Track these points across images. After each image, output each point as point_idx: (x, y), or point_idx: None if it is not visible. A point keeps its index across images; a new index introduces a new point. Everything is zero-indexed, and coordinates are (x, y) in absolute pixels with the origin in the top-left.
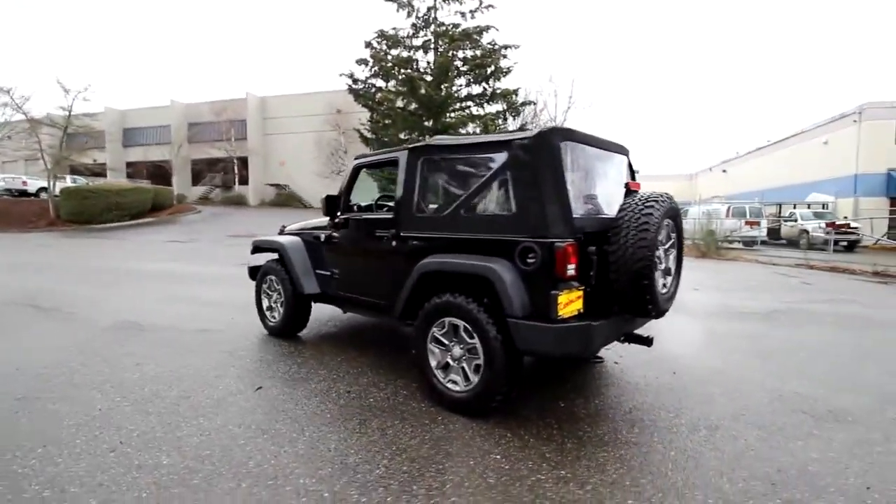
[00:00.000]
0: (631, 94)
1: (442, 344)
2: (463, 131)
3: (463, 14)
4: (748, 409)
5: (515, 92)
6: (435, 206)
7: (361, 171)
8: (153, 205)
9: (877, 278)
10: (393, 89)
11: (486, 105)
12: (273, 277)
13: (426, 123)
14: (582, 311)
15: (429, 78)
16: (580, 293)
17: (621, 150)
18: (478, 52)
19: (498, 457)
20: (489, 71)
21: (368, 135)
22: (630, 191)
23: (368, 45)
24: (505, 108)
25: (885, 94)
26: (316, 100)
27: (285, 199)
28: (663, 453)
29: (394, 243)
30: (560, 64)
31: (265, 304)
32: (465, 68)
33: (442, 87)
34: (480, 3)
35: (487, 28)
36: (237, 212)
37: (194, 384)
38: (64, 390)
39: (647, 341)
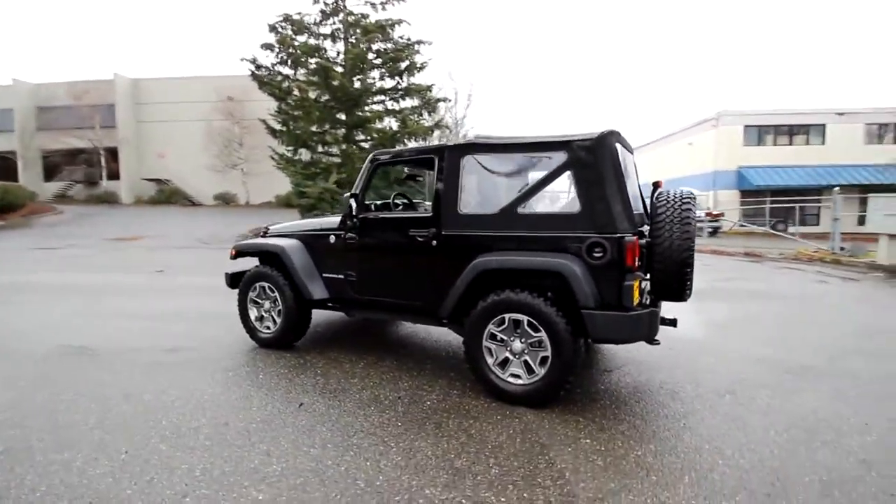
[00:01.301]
0: (530, 92)
1: (499, 340)
2: (379, 125)
3: (373, 5)
4: (745, 373)
5: (430, 88)
6: (482, 204)
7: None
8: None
9: (749, 258)
10: (304, 79)
11: (401, 100)
12: (266, 284)
13: (339, 116)
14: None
15: (339, 69)
16: (643, 282)
17: (632, 150)
18: (390, 46)
19: (587, 441)
20: (403, 66)
21: (277, 126)
22: (656, 187)
23: (273, 29)
24: (421, 103)
25: (736, 102)
26: (204, 85)
27: (168, 195)
28: (714, 418)
29: (434, 243)
30: (471, 61)
31: (254, 314)
32: (378, 61)
33: (356, 79)
34: None
35: (399, 21)
36: (110, 211)
37: (222, 409)
38: (56, 435)
39: (674, 323)
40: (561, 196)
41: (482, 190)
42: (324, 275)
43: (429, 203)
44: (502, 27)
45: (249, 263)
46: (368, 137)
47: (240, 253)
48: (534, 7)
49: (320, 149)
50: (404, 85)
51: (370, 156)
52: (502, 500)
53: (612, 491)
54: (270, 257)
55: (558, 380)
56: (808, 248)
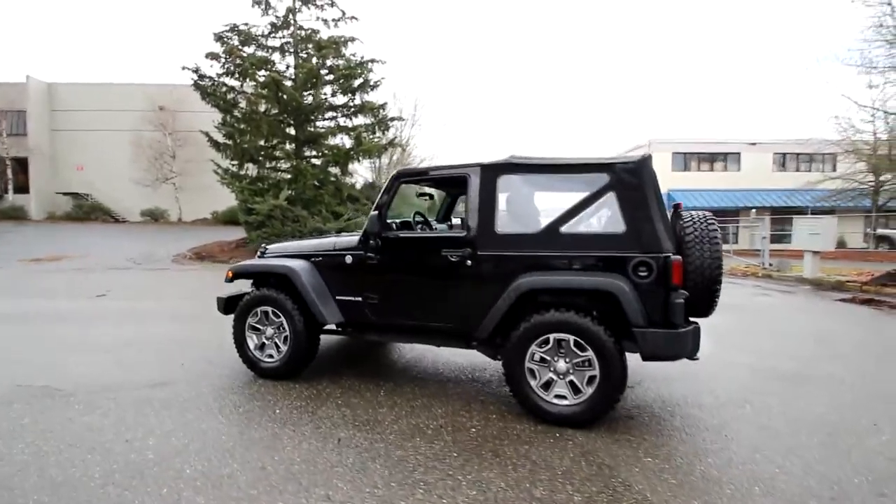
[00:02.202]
0: (470, 113)
1: (542, 361)
2: (332, 142)
3: (325, 21)
4: (747, 383)
5: (383, 106)
6: (520, 223)
7: (402, 188)
8: None
9: None
10: (252, 91)
11: (353, 117)
12: (269, 309)
13: (289, 131)
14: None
15: (288, 83)
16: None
17: None
18: (341, 63)
19: (649, 459)
20: (357, 83)
21: (222, 140)
22: (677, 209)
23: (219, 38)
24: (374, 121)
25: (663, 130)
26: (131, 93)
27: (88, 210)
28: (748, 427)
29: (469, 263)
30: (417, 82)
31: (253, 341)
32: (330, 77)
33: (308, 94)
34: (343, 14)
35: (352, 39)
36: (19, 228)
37: (251, 451)
38: (58, 497)
39: None
40: (601, 216)
41: (520, 209)
42: (337, 297)
43: (455, 221)
44: (445, 51)
45: (229, 288)
46: (320, 153)
47: (237, 275)
48: (477, 33)
49: (269, 164)
50: (357, 102)
51: (395, 172)
52: None
53: None
54: (276, 279)
55: (608, 398)
56: (740, 265)
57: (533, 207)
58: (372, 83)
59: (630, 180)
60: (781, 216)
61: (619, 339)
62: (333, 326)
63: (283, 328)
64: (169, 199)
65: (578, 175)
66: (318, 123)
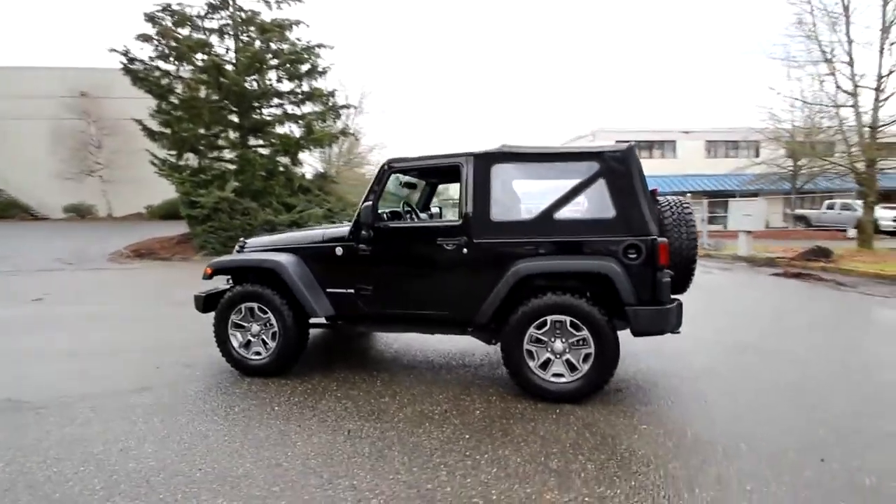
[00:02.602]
0: (417, 103)
1: (540, 342)
2: (280, 130)
3: (267, 2)
4: (718, 356)
5: (332, 94)
6: (514, 211)
7: (392, 177)
8: None
9: None
10: (190, 76)
11: (302, 105)
12: (254, 305)
13: (232, 118)
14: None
15: (230, 67)
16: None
17: None
18: (286, 47)
19: (645, 426)
20: (304, 69)
21: (157, 128)
22: (654, 195)
23: (151, 19)
24: (324, 109)
25: (606, 119)
26: (48, 77)
27: (2, 207)
28: (719, 393)
29: (465, 251)
30: (370, 68)
31: (237, 339)
32: (275, 62)
33: (252, 79)
34: None
35: (297, 22)
36: None
37: (262, 450)
38: None
39: None
40: (592, 202)
41: (513, 197)
42: (328, 290)
43: (434, 210)
44: (391, 38)
45: (206, 286)
46: (268, 143)
47: (217, 271)
48: (423, 23)
49: (211, 154)
50: (305, 89)
51: (384, 162)
52: (618, 491)
53: (698, 466)
54: (259, 274)
55: (603, 374)
56: None
57: (526, 195)
58: (320, 69)
59: (618, 168)
60: (714, 199)
61: (611, 317)
62: (323, 320)
63: (271, 324)
64: (95, 194)
65: (569, 163)
66: (263, 111)
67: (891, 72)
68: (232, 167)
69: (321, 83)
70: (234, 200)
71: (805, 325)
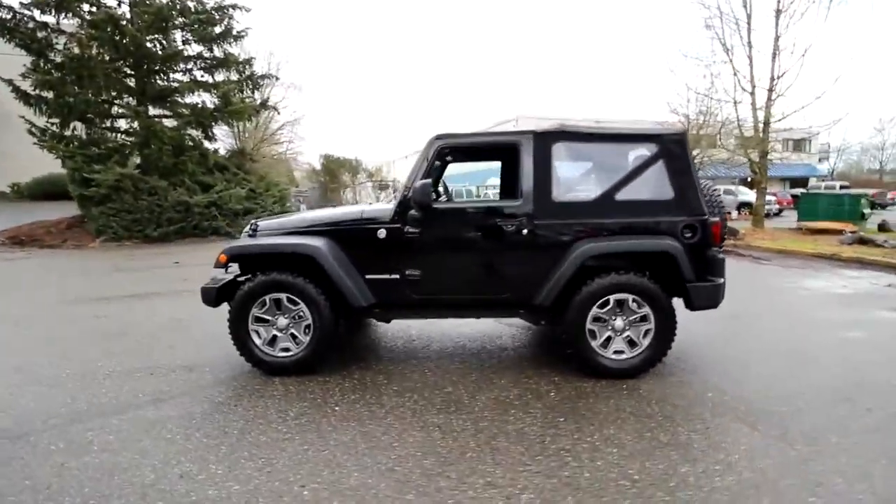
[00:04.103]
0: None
1: (600, 321)
2: (189, 100)
3: None
4: (728, 326)
5: (249, 61)
6: (576, 191)
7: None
8: None
9: None
10: (77, 30)
11: (215, 72)
12: (283, 296)
13: (130, 84)
14: None
15: (124, 23)
16: None
17: None
18: (193, 4)
19: (711, 394)
20: (216, 31)
21: (35, 91)
22: None
23: None
24: (241, 78)
25: (527, 106)
26: None
27: None
28: (730, 357)
29: (525, 232)
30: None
31: (260, 335)
32: (182, 21)
33: (154, 38)
34: None
35: None
36: None
37: (358, 456)
38: None
39: None
40: (651, 184)
41: (574, 178)
42: (367, 276)
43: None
44: (312, 13)
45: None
46: (175, 113)
47: (234, 258)
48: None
49: (103, 124)
50: (218, 55)
51: (432, 137)
52: (736, 457)
53: (790, 416)
54: (286, 261)
55: (661, 349)
56: None
57: (586, 176)
58: (235, 32)
59: (676, 150)
60: None
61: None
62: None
63: (302, 316)
64: None
65: (629, 144)
66: (170, 76)
67: (782, 74)
68: (132, 140)
69: (236, 49)
70: (139, 178)
71: (757, 293)
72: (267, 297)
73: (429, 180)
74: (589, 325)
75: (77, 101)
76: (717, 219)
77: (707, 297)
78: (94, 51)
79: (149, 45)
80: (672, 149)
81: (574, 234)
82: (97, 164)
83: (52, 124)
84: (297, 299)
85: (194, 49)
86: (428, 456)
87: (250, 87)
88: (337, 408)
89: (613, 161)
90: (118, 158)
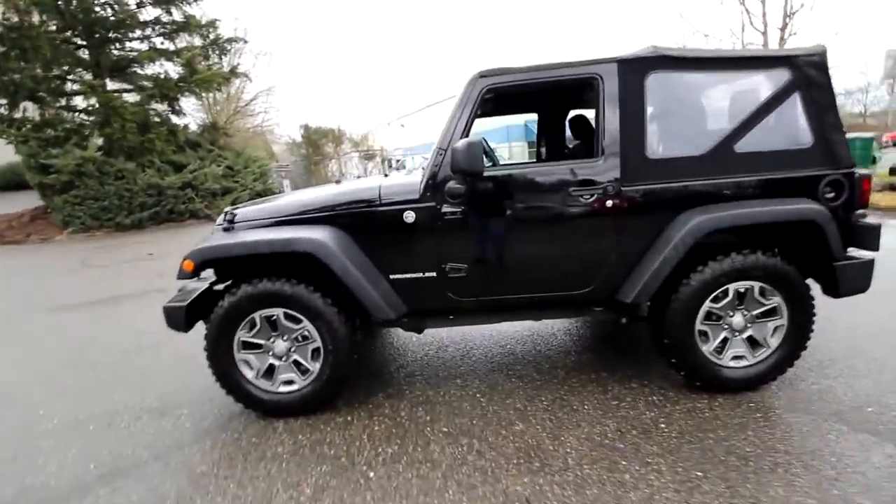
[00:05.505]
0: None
1: (715, 318)
2: (151, 71)
3: None
4: None
5: (213, 24)
6: (679, 143)
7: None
8: None
9: None
10: None
11: (176, 38)
12: (278, 312)
13: (82, 55)
14: None
15: None
16: None
17: None
18: None
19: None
20: None
21: None
22: None
23: None
24: (206, 43)
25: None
26: None
27: None
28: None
29: (609, 203)
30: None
31: (251, 366)
32: None
33: (106, 3)
34: None
35: None
36: None
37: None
38: None
39: None
40: (781, 126)
41: (678, 123)
42: (392, 276)
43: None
44: None
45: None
46: (136, 86)
47: (203, 265)
48: None
49: (57, 102)
50: (178, 18)
51: (475, 75)
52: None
53: None
54: (278, 262)
55: (795, 350)
56: None
57: (694, 119)
58: None
59: (817, 77)
60: None
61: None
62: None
63: (309, 336)
64: None
65: (752, 71)
66: (126, 45)
67: (794, 12)
68: (92, 119)
69: (197, 11)
70: (103, 161)
71: None
72: (256, 316)
73: (478, 137)
74: (699, 326)
75: (23, 78)
76: (866, 171)
77: (860, 279)
78: (34, 18)
79: (98, 9)
80: (811, 76)
81: (679, 202)
82: (54, 147)
83: (0, 106)
84: (298, 315)
85: (150, 13)
86: (594, 486)
87: (217, 52)
88: (371, 474)
89: (730, 97)
90: (77, 140)
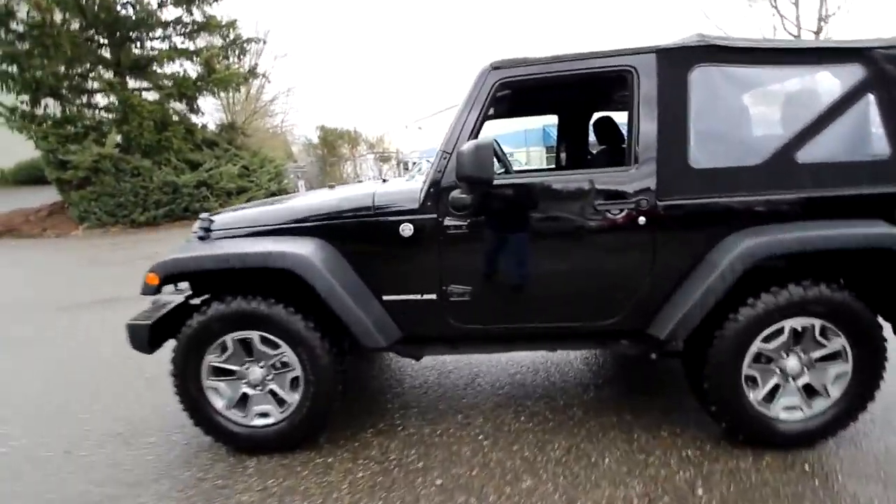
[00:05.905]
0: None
1: (765, 360)
2: (170, 69)
3: None
4: None
5: (233, 24)
6: (729, 150)
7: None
8: None
9: None
10: None
11: (196, 37)
12: (255, 335)
13: (104, 54)
14: None
15: None
16: None
17: None
18: None
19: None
20: None
21: None
22: None
23: None
24: (225, 43)
25: None
26: None
27: None
28: None
29: (642, 221)
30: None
31: (222, 395)
32: None
33: (127, 2)
34: None
35: None
36: None
37: None
38: None
39: None
40: (850, 132)
41: (726, 127)
42: (385, 298)
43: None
44: None
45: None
46: (156, 84)
47: (168, 279)
48: None
49: (78, 99)
50: (198, 18)
51: (486, 67)
52: None
53: None
54: (256, 277)
55: (860, 403)
56: None
57: (747, 122)
58: None
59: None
60: None
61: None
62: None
63: (288, 363)
64: None
65: (817, 66)
66: (147, 44)
67: (829, 15)
68: (111, 116)
69: (217, 10)
70: (120, 158)
71: None
72: (229, 338)
73: (489, 139)
74: (746, 370)
75: (45, 75)
76: None
77: None
78: (56, 16)
79: (119, 8)
80: (889, 72)
81: (727, 221)
82: (73, 143)
83: (22, 102)
84: (275, 339)
85: (171, 13)
86: None
87: (236, 52)
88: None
89: (791, 96)
90: (95, 137)
